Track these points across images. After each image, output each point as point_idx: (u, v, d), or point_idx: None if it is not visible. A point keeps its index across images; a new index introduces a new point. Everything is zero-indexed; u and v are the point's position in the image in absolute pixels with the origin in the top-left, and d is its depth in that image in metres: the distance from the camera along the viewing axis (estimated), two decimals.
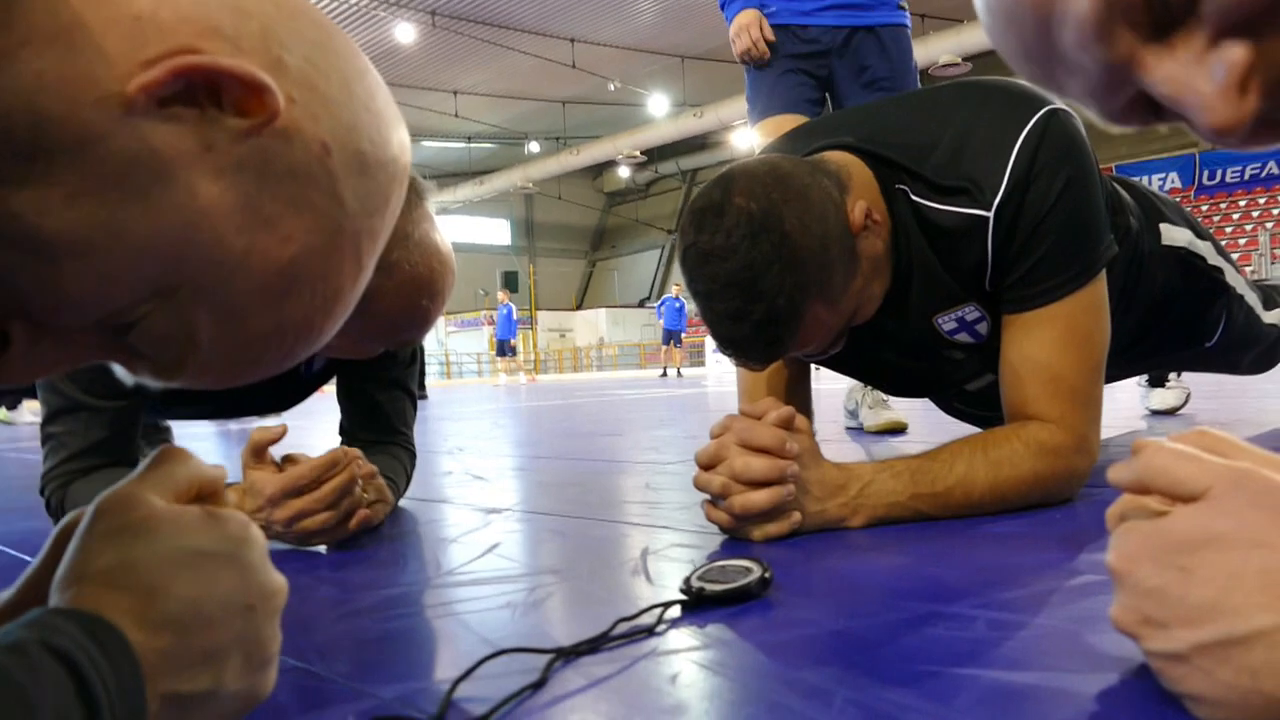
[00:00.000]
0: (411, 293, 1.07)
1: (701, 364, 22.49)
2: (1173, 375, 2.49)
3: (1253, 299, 1.62)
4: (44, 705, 0.34)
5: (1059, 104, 1.12)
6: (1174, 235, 1.44)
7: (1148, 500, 0.52)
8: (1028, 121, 1.09)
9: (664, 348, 17.69)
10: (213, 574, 0.46)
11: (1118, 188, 1.39)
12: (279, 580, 0.50)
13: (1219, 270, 1.50)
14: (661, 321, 17.99)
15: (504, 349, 17.69)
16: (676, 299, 18.05)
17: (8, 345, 0.40)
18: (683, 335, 18.00)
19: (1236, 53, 0.38)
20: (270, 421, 2.88)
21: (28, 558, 1.20)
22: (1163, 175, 21.83)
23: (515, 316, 17.82)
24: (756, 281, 1.01)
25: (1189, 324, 1.55)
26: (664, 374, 16.21)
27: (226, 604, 0.46)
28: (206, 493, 0.50)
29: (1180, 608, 0.47)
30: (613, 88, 21.39)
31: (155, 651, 0.42)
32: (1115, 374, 1.59)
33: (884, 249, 1.13)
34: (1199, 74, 0.40)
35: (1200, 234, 1.50)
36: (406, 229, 1.05)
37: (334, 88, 0.44)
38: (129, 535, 0.44)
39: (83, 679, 0.37)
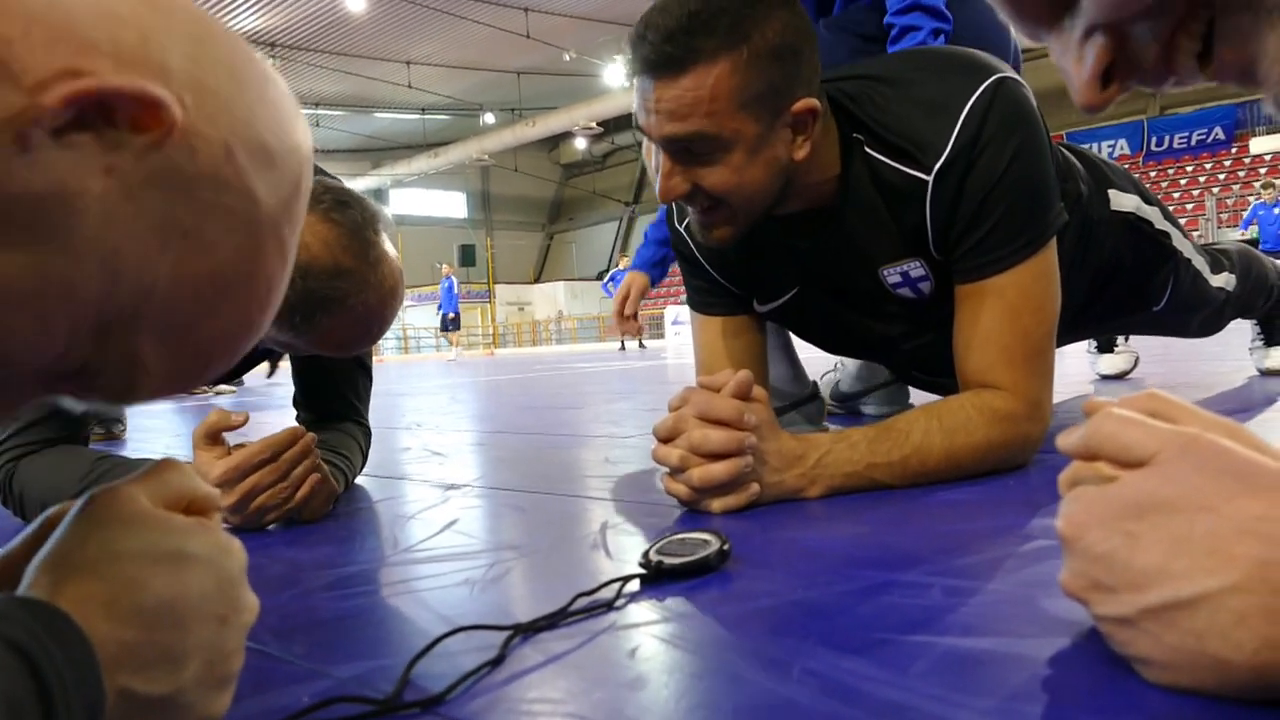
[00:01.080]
0: (364, 324, 1.09)
1: (661, 336, 22.50)
2: (1121, 339, 2.53)
3: (1200, 262, 1.65)
4: None
5: (1009, 72, 1.13)
6: (1122, 201, 1.47)
7: (1099, 466, 0.52)
8: (976, 88, 1.10)
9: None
10: (191, 577, 0.46)
11: (1067, 154, 1.41)
12: (253, 599, 0.50)
13: (1166, 235, 1.53)
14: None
15: (446, 323, 17.32)
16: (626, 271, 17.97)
17: None
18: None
19: (1099, 48, 0.45)
20: (225, 402, 2.83)
21: None
22: (1112, 142, 22.17)
23: (456, 290, 17.52)
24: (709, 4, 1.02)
25: (1137, 288, 1.57)
26: (622, 347, 15.98)
27: (199, 609, 0.46)
28: (197, 509, 0.50)
29: (1127, 572, 0.48)
30: (568, 58, 21.18)
31: (118, 643, 0.41)
32: (1064, 339, 1.62)
33: (804, 159, 1.12)
34: (1072, 58, 0.47)
35: (1148, 199, 1.52)
36: (365, 274, 1.05)
37: (224, 84, 0.42)
38: (116, 527, 0.44)
39: (36, 669, 0.36)
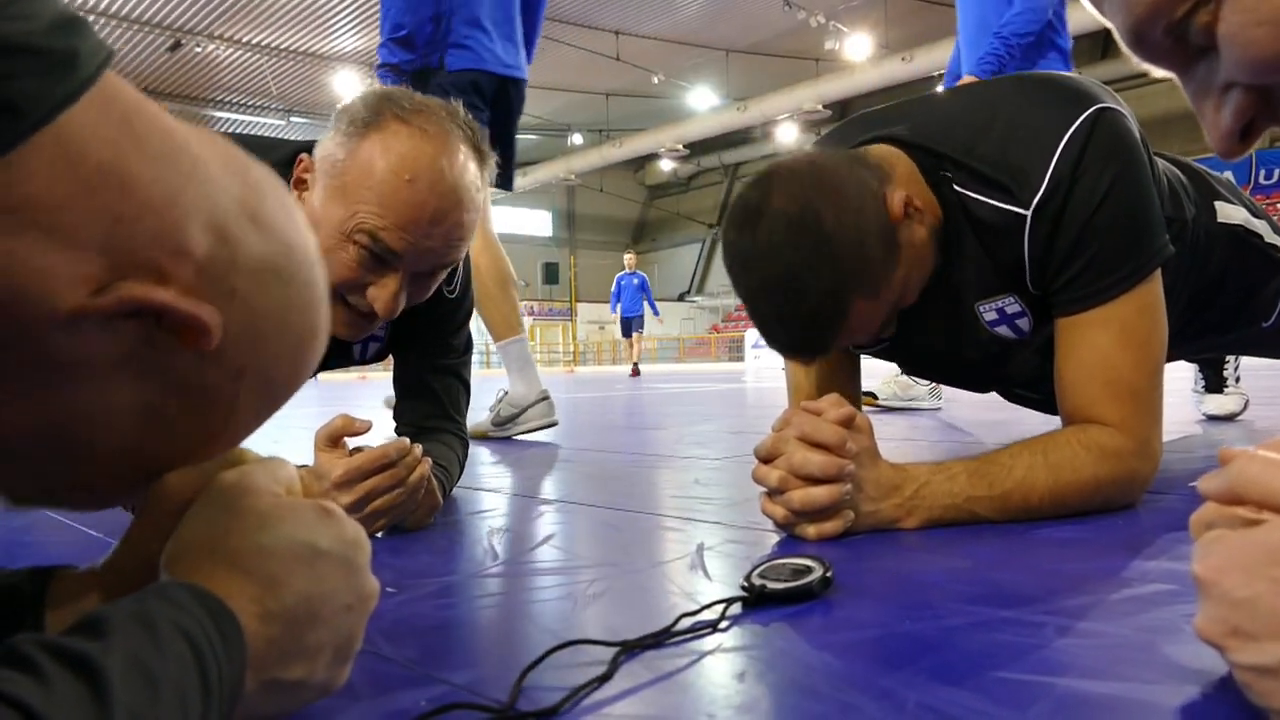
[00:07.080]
0: (429, 174, 1.10)
1: (740, 359, 22.40)
2: (1231, 381, 2.43)
3: None
4: (167, 682, 0.35)
5: (1110, 102, 1.11)
6: (1230, 213, 1.42)
7: (1236, 509, 0.51)
8: (1075, 119, 1.08)
9: (624, 341, 14.11)
10: (326, 573, 0.48)
11: (1175, 169, 1.37)
12: (375, 584, 0.53)
13: (1276, 249, 1.47)
14: (617, 314, 13.87)
15: None
16: (634, 273, 13.87)
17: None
18: (642, 320, 13.93)
19: (1240, 103, 0.45)
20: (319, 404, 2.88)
21: (109, 538, 1.22)
22: (1218, 174, 21.38)
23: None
24: (798, 282, 1.02)
25: (1245, 301, 1.52)
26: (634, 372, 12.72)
27: (333, 603, 0.48)
28: (309, 493, 0.53)
29: (1273, 620, 0.46)
30: (656, 80, 21.34)
31: (265, 640, 0.44)
32: (1171, 354, 1.57)
33: (927, 235, 1.13)
34: (1210, 104, 0.47)
35: (1256, 213, 1.47)
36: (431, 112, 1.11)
37: (272, 322, 0.46)
38: (255, 519, 0.47)
39: (202, 663, 0.38)
